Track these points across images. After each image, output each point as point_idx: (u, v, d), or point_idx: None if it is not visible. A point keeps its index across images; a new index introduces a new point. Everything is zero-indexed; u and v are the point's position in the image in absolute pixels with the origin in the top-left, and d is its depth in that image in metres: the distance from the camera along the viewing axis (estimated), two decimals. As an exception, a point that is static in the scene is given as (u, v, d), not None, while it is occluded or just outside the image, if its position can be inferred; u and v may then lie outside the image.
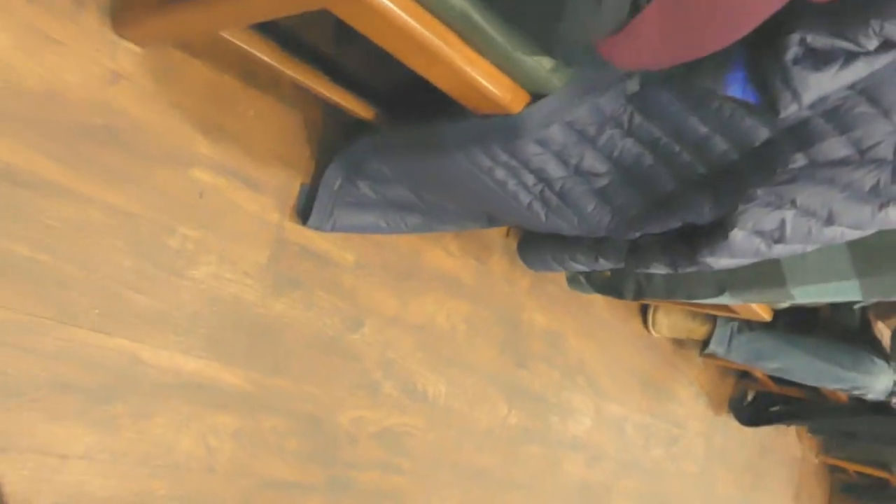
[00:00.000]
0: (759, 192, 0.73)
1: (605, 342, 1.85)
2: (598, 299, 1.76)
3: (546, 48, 0.69)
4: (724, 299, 1.27)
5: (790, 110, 0.71)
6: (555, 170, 0.85)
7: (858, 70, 0.71)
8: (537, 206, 0.88)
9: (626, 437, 1.98)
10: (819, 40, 0.69)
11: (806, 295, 1.12)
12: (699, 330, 1.97)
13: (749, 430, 2.54)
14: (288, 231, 1.10)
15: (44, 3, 0.82)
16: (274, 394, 1.11)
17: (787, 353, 1.91)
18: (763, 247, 0.77)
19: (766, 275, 1.13)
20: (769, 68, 0.72)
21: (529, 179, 0.87)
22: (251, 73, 1.02)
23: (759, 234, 0.76)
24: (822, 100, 0.73)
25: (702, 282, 1.24)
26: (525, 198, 0.88)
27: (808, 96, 0.71)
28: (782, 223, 0.74)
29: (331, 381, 1.19)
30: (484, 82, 0.75)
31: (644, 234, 0.85)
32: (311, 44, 1.00)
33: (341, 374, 1.21)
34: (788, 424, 2.60)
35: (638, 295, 1.40)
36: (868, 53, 0.70)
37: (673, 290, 1.30)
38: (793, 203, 0.73)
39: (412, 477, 1.35)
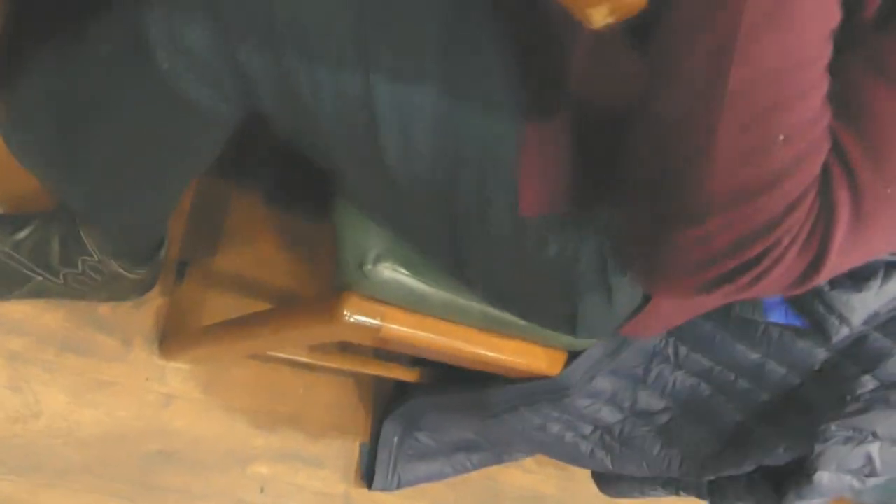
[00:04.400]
0: (834, 427, 0.67)
1: None
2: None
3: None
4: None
5: (842, 335, 0.67)
6: (610, 415, 0.82)
7: (903, 280, 0.66)
8: (600, 453, 0.84)
9: None
10: (852, 259, 0.66)
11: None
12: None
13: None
14: (355, 499, 1.07)
15: (94, 352, 0.87)
16: None
17: (923, 488, 1.71)
18: (856, 483, 0.70)
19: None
20: (806, 294, 0.68)
21: (586, 429, 0.83)
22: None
23: (848, 472, 0.69)
24: (874, 314, 0.69)
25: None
26: (585, 447, 0.84)
27: (857, 318, 0.66)
28: (869, 458, 0.68)
29: None
30: (515, 360, 0.74)
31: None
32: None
33: None
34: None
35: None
36: (907, 261, 0.66)
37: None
38: (874, 435, 0.67)
39: None
